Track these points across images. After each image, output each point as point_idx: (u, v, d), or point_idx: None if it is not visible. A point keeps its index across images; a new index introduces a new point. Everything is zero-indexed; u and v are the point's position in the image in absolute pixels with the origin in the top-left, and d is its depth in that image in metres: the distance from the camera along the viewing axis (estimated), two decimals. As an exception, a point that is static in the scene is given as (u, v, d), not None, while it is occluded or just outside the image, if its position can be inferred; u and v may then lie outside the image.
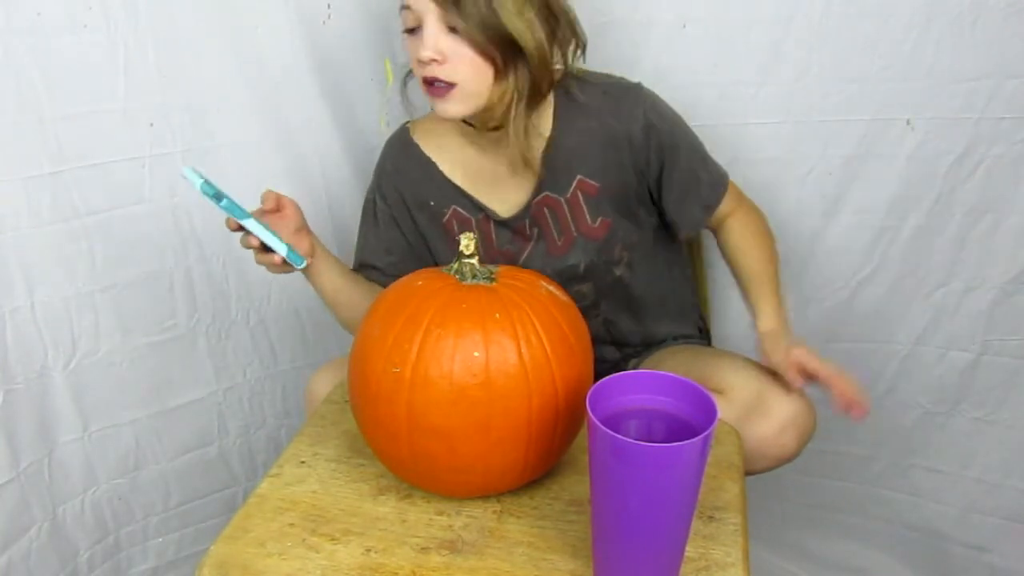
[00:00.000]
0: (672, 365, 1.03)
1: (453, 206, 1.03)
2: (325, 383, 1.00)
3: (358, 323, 0.78)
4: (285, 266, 0.91)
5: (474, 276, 0.76)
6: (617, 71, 1.02)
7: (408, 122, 1.09)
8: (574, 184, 0.98)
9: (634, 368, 1.10)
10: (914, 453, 1.29)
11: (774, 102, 1.13)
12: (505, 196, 1.01)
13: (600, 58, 1.05)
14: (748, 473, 0.87)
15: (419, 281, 0.77)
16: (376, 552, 0.72)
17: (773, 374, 0.93)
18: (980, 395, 1.22)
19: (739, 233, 1.05)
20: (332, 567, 0.70)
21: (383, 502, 0.78)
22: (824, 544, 1.38)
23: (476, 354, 0.69)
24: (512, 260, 1.03)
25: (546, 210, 1.00)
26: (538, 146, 0.98)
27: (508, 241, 1.02)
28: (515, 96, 0.90)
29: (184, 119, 1.09)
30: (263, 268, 1.22)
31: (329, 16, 1.14)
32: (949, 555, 1.31)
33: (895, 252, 1.19)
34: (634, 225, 1.02)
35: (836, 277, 1.23)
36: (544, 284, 0.78)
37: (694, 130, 1.03)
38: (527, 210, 1.00)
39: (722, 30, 1.11)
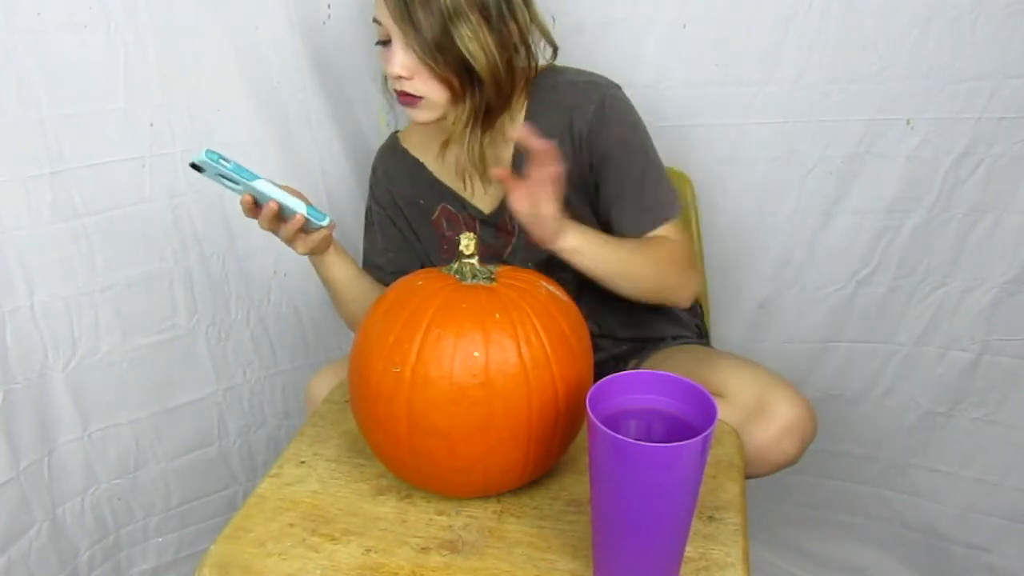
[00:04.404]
0: (672, 366, 1.03)
1: (442, 204, 1.05)
2: (325, 385, 1.00)
3: (362, 319, 0.78)
4: (305, 235, 0.90)
5: (474, 276, 0.76)
6: (617, 71, 1.02)
7: (397, 131, 1.12)
8: None
9: (634, 368, 1.10)
10: (914, 453, 1.30)
11: (774, 102, 1.13)
12: (487, 192, 1.03)
13: (600, 58, 1.05)
14: (748, 477, 0.87)
15: (419, 281, 0.77)
16: (376, 552, 0.72)
17: (775, 378, 0.93)
18: (980, 395, 1.22)
19: (648, 239, 0.96)
20: (332, 567, 0.70)
21: (383, 502, 0.78)
22: (824, 544, 1.38)
23: (476, 354, 0.69)
24: (498, 255, 1.04)
25: None
26: (508, 147, 1.00)
27: (492, 237, 1.04)
28: (470, 118, 0.93)
29: (184, 119, 1.09)
30: (263, 268, 1.23)
31: (329, 16, 1.14)
32: (949, 555, 1.31)
33: (895, 252, 1.19)
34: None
35: (836, 277, 1.23)
36: (544, 284, 0.78)
37: (694, 130, 1.03)
38: (504, 206, 1.02)
39: (722, 30, 1.11)
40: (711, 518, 0.75)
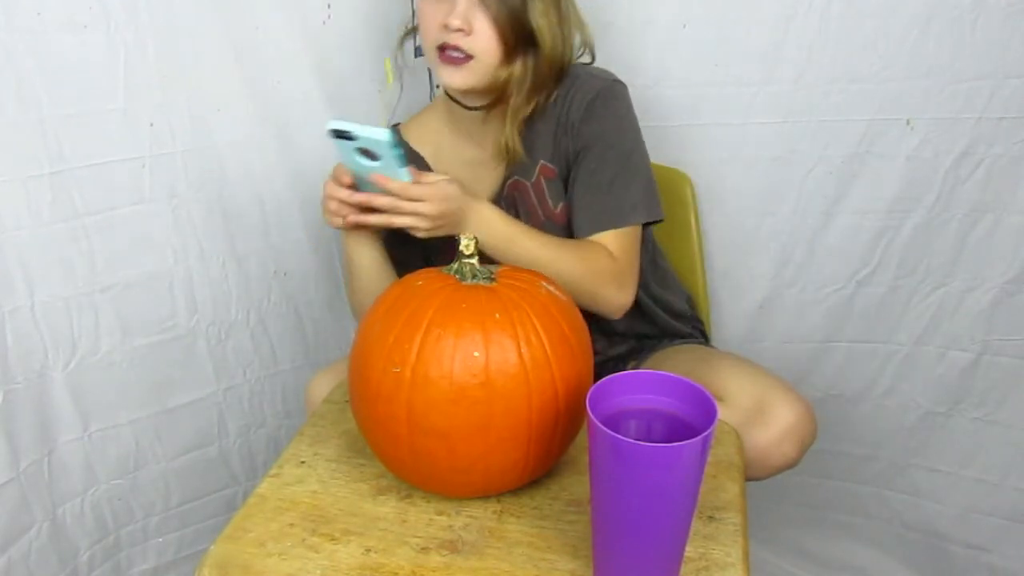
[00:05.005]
0: (673, 367, 1.03)
1: None
2: (325, 386, 1.00)
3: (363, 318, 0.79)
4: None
5: (474, 276, 0.76)
6: (617, 71, 1.02)
7: (396, 124, 1.12)
8: (537, 169, 1.01)
9: (634, 368, 1.10)
10: (914, 453, 1.30)
11: (774, 102, 1.13)
12: (481, 182, 1.04)
13: (601, 58, 1.05)
14: (747, 479, 0.87)
15: (419, 281, 0.77)
16: (376, 552, 0.72)
17: (774, 380, 0.93)
18: (980, 395, 1.22)
19: (581, 241, 0.96)
20: (332, 567, 0.70)
21: (383, 502, 0.78)
22: (824, 544, 1.38)
23: (476, 354, 0.69)
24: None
25: (516, 195, 1.03)
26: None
27: None
28: (517, 83, 0.94)
29: (184, 119, 1.09)
30: (263, 268, 1.23)
31: (329, 16, 1.14)
32: (949, 555, 1.31)
33: (895, 252, 1.19)
34: None
35: (836, 277, 1.23)
36: (544, 284, 0.78)
37: (694, 130, 1.03)
38: (500, 196, 1.03)
39: (722, 30, 1.11)
40: (711, 518, 0.75)
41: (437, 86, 1.23)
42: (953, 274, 1.18)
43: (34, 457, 1.09)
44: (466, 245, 0.76)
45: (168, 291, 1.16)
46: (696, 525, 0.71)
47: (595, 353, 1.08)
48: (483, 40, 0.91)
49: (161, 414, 1.21)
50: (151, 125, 1.07)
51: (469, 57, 0.92)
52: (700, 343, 1.14)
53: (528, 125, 1.00)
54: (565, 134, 0.98)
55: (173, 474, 1.26)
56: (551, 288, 0.78)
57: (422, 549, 0.72)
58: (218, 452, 1.29)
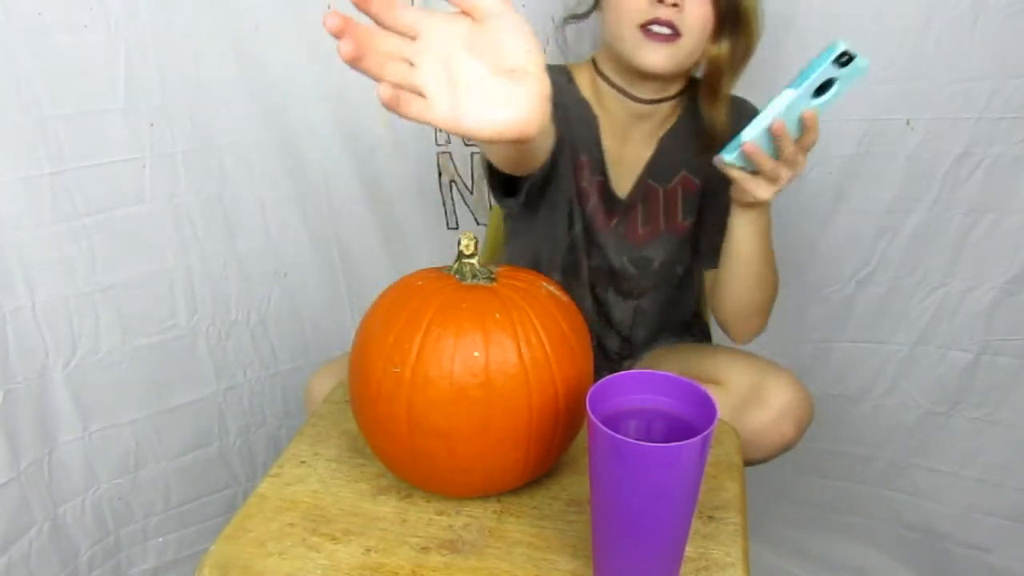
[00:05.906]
0: (669, 362, 1.03)
1: (583, 155, 0.99)
2: (325, 383, 1.00)
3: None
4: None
5: (474, 276, 0.76)
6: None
7: (564, 65, 1.03)
8: (677, 178, 0.99)
9: (629, 368, 1.10)
10: (914, 453, 1.30)
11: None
12: (622, 173, 0.99)
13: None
14: (747, 463, 0.87)
15: (419, 281, 0.77)
16: (376, 552, 0.72)
17: (771, 364, 0.93)
18: (980, 395, 1.22)
19: None
20: (332, 567, 0.70)
21: (383, 502, 0.78)
22: (824, 544, 1.38)
23: (476, 354, 0.69)
24: (602, 227, 1.01)
25: (643, 198, 1.00)
26: (650, 145, 0.98)
27: (604, 209, 1.00)
28: (726, 64, 0.90)
29: (184, 119, 1.09)
30: (263, 268, 1.23)
31: (329, 16, 1.14)
32: (949, 555, 1.31)
33: (895, 252, 1.19)
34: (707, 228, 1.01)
35: (836, 277, 1.23)
36: (544, 284, 0.78)
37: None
38: (631, 193, 0.99)
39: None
40: (711, 518, 0.75)
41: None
42: (953, 274, 1.18)
43: (34, 457, 1.09)
44: (466, 245, 0.76)
45: (168, 291, 1.16)
46: (696, 525, 0.71)
47: (599, 347, 1.08)
48: (694, 18, 0.85)
49: (161, 414, 1.21)
50: (151, 125, 1.07)
51: (678, 35, 0.86)
52: (697, 341, 1.15)
53: (675, 131, 0.97)
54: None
55: (173, 474, 1.26)
56: (551, 288, 0.78)
57: (422, 549, 0.72)
58: (218, 452, 1.29)
